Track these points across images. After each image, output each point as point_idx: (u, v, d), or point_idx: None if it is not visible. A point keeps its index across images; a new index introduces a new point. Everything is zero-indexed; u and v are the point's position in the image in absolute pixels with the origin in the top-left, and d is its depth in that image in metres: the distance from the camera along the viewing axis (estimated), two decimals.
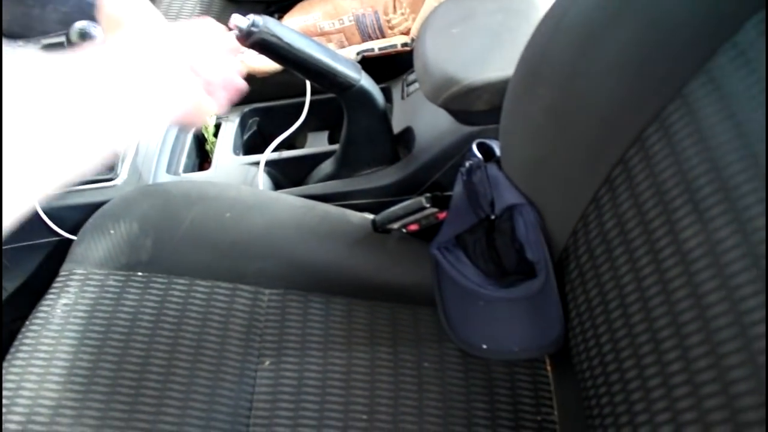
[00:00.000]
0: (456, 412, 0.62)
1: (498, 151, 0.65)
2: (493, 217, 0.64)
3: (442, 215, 0.68)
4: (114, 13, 0.52)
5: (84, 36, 0.85)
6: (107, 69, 0.44)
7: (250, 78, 1.06)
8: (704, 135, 0.43)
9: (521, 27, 0.71)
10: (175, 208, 0.76)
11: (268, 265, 0.72)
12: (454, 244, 0.68)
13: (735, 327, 0.37)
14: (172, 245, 0.73)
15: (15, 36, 1.86)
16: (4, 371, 0.66)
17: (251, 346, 0.67)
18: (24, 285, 1.00)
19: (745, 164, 0.39)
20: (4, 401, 0.63)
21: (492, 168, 0.63)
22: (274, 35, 0.70)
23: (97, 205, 0.80)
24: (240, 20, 0.69)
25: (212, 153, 0.98)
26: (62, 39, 1.03)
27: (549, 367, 0.65)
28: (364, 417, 0.62)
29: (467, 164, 0.65)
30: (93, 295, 0.71)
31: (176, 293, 0.71)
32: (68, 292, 0.71)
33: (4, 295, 1.00)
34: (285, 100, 1.05)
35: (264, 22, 0.70)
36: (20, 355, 0.67)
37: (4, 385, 0.64)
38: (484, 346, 0.64)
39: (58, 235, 0.91)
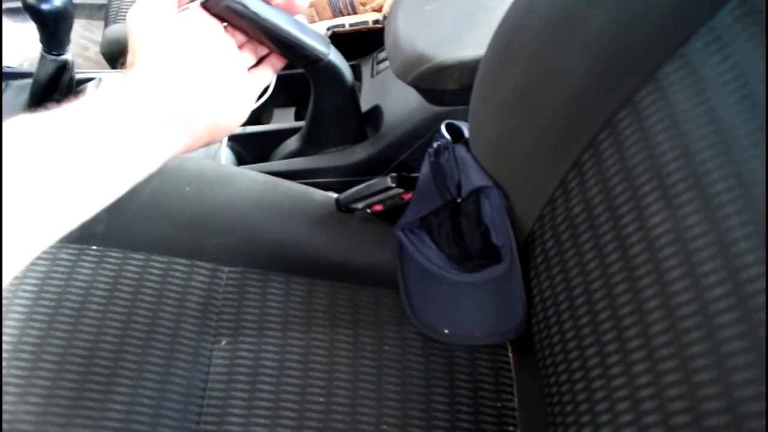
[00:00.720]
0: (415, 396, 0.61)
1: (467, 133, 0.64)
2: (459, 199, 0.62)
3: (408, 196, 0.67)
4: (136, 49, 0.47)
5: None
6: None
7: None
8: (676, 120, 0.42)
9: (496, 6, 0.70)
10: None
11: (227, 241, 0.69)
12: (419, 226, 0.66)
13: (699, 316, 0.36)
14: (129, 218, 0.71)
15: None
16: None
17: (208, 324, 0.65)
18: None
19: (716, 151, 0.39)
20: None
21: (460, 149, 0.62)
22: (239, 2, 0.67)
23: None
24: None
25: None
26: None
27: (511, 354, 0.64)
28: (321, 400, 0.60)
29: (435, 145, 0.64)
30: (43, 269, 0.68)
31: (131, 269, 0.68)
32: None
33: None
34: None
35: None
36: None
37: None
38: (446, 331, 0.63)
39: None
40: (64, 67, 0.92)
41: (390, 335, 0.65)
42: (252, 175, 0.76)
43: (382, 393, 0.61)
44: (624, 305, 0.42)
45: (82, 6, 1.53)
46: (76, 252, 0.69)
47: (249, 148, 0.93)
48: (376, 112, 0.88)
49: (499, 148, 0.58)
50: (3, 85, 1.02)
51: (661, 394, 0.38)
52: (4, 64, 1.12)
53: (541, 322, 0.55)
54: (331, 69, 0.76)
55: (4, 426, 0.59)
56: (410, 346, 0.64)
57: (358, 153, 0.84)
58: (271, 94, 0.95)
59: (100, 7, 1.51)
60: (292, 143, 0.89)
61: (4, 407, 0.59)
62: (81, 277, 0.67)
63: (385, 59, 0.95)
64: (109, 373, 0.61)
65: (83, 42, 1.51)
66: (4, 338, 0.63)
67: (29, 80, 0.97)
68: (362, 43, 1.00)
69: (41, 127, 0.40)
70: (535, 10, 0.52)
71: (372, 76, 0.96)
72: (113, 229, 0.70)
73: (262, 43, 0.59)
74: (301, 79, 1.02)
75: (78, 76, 0.97)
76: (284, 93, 0.99)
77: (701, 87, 0.41)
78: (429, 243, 0.66)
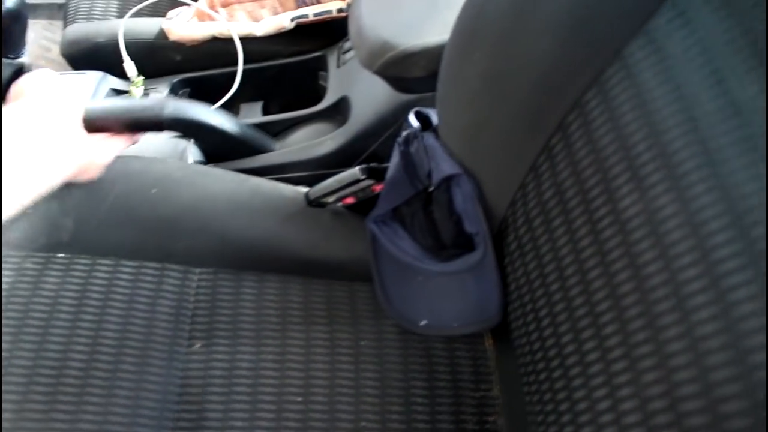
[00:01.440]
0: (394, 390, 0.60)
1: (435, 120, 0.63)
2: (430, 188, 0.61)
3: (379, 187, 0.66)
4: (21, 87, 0.61)
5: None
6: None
7: (178, 47, 1.01)
8: (643, 99, 0.41)
9: None
10: (97, 185, 0.71)
11: (197, 242, 0.68)
12: (391, 217, 0.65)
13: (672, 299, 0.36)
14: (95, 224, 0.69)
15: None
16: None
17: (181, 328, 0.64)
18: None
19: (684, 129, 0.38)
20: None
21: (429, 137, 0.61)
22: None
23: None
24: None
25: None
26: None
27: (489, 342, 0.64)
28: (299, 399, 0.59)
29: (404, 134, 0.63)
30: (9, 279, 0.66)
31: (100, 275, 0.66)
32: None
33: None
34: (216, 70, 1.01)
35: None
36: None
37: None
38: (423, 322, 0.62)
39: None
40: (20, 71, 0.90)
41: (366, 329, 0.64)
42: (220, 174, 0.75)
43: (361, 389, 0.60)
44: (598, 290, 0.42)
45: (42, 6, 1.50)
46: (42, 260, 0.67)
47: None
48: (343, 102, 0.86)
49: (468, 134, 0.57)
50: None
51: (637, 379, 0.38)
52: None
53: (517, 310, 0.54)
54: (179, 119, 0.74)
55: None
56: (387, 340, 0.63)
57: (327, 145, 0.83)
58: (237, 89, 0.94)
59: (60, 6, 1.47)
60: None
61: None
62: (48, 285, 0.65)
63: (350, 49, 0.93)
64: (81, 383, 0.60)
65: (45, 43, 1.48)
66: None
67: None
68: (327, 33, 0.99)
69: None
70: None
71: (338, 66, 0.94)
72: (80, 236, 0.68)
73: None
74: (265, 72, 1.00)
75: None
76: (250, 87, 0.97)
77: (667, 64, 0.40)
78: (402, 234, 0.65)
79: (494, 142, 0.55)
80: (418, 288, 0.63)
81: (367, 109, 0.81)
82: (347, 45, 0.95)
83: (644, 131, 0.40)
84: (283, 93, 1.03)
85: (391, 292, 0.64)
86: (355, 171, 0.65)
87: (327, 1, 0.99)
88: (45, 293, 0.65)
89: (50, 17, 1.51)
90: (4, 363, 0.61)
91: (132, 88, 1.01)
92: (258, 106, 1.00)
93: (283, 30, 0.97)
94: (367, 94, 0.82)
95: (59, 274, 0.66)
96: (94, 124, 0.63)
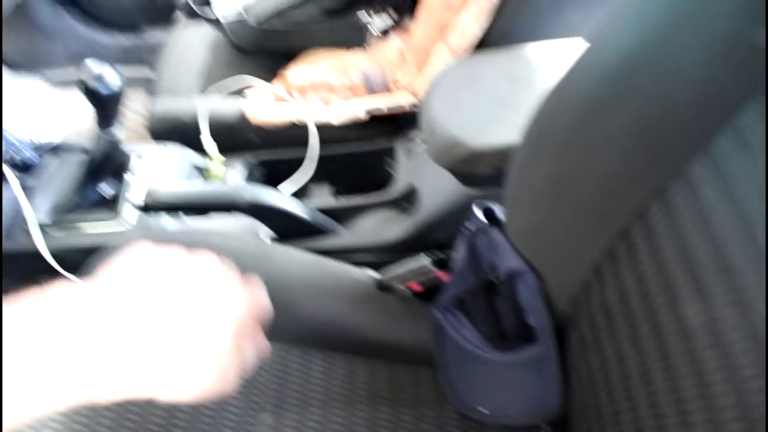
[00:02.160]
0: None
1: (500, 215, 0.66)
2: (495, 281, 0.64)
3: (444, 276, 0.69)
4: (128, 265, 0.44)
5: (100, 80, 0.87)
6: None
7: (257, 129, 1.08)
8: (705, 213, 0.43)
9: (525, 94, 0.73)
10: None
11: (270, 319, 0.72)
12: (455, 305, 0.68)
13: (738, 409, 0.38)
14: None
15: (18, 67, 1.87)
16: None
17: (252, 400, 0.67)
18: None
19: (745, 245, 0.40)
20: None
21: (495, 232, 0.64)
22: None
23: (101, 248, 0.80)
24: None
25: None
26: (72, 76, 1.06)
27: None
28: None
29: (471, 227, 0.66)
30: None
31: None
32: None
33: None
34: (289, 151, 1.07)
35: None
36: None
37: None
38: (484, 410, 0.64)
39: (59, 274, 0.91)
40: (116, 144, 0.97)
41: (428, 413, 0.66)
42: (292, 253, 0.79)
43: None
44: (662, 393, 0.43)
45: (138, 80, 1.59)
46: None
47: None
48: (411, 191, 0.91)
49: (534, 233, 0.60)
50: (58, 157, 1.06)
51: None
52: (56, 137, 1.15)
53: (578, 404, 0.56)
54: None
55: None
56: (448, 425, 0.65)
57: (394, 232, 0.87)
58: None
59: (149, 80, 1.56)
60: None
61: None
62: None
63: (419, 140, 0.98)
64: None
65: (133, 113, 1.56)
66: None
67: (80, 155, 1.02)
68: (397, 124, 1.04)
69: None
70: (565, 102, 0.55)
71: (407, 157, 0.99)
72: None
73: None
74: (338, 158, 1.06)
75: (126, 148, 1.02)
76: (320, 169, 1.03)
77: (727, 182, 0.43)
78: (466, 322, 0.67)
79: (556, 242, 0.58)
80: (480, 376, 0.65)
81: (434, 199, 0.85)
82: (416, 137, 1.00)
83: (707, 244, 0.42)
84: (351, 177, 1.08)
85: (454, 379, 0.66)
86: (422, 260, 0.69)
87: (396, 90, 1.05)
88: None
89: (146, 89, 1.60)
90: None
91: (210, 165, 1.08)
92: (326, 188, 1.05)
93: (358, 121, 1.04)
94: (434, 185, 0.87)
95: None
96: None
